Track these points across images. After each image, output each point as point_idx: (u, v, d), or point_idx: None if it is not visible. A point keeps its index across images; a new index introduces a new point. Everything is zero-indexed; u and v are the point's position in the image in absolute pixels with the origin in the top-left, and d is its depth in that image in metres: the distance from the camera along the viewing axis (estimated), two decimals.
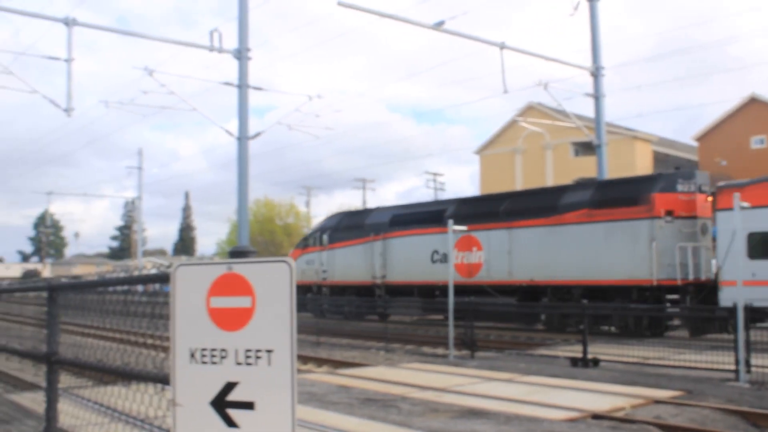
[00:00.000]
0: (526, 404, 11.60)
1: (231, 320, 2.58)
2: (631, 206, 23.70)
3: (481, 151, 61.20)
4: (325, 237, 35.86)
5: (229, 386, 2.58)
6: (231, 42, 23.06)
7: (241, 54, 22.39)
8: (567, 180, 52.26)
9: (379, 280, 31.58)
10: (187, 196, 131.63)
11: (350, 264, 33.26)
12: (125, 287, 3.96)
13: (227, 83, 23.91)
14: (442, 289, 26.18)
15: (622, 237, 23.67)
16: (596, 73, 28.94)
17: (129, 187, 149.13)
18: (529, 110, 50.84)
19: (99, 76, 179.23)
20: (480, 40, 26.07)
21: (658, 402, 11.66)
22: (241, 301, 2.56)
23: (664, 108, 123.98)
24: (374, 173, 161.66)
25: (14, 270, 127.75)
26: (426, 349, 23.01)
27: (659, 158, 54.36)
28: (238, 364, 2.57)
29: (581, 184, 27.75)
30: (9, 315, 7.83)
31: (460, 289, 25.20)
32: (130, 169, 66.36)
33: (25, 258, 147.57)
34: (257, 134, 25.07)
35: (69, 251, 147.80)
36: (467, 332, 20.35)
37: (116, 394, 4.01)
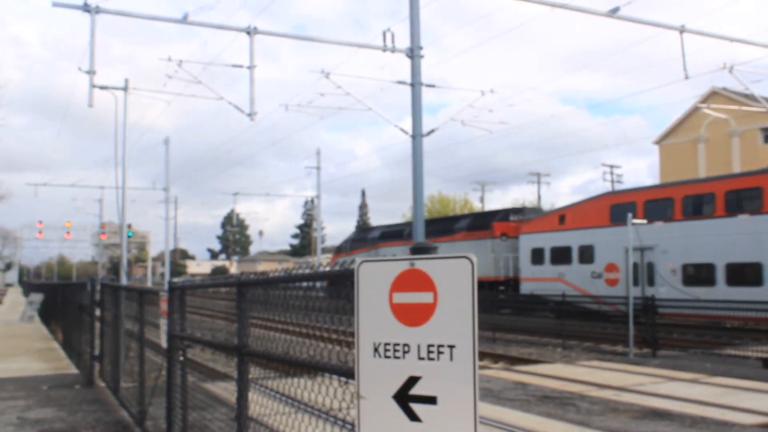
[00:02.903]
0: (713, 407, 11.03)
1: (413, 315, 2.61)
2: (483, 230, 38.82)
3: (661, 140, 58.53)
4: (348, 245, 54.43)
5: (412, 380, 2.61)
6: (403, 41, 23.36)
7: (414, 52, 22.59)
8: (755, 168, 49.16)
9: None
10: (363, 194, 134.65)
11: None
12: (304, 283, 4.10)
13: (401, 82, 24.26)
14: None
15: (480, 250, 36.56)
16: None
17: (308, 186, 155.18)
18: (713, 96, 48.01)
19: (278, 81, 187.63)
20: (657, 24, 24.89)
21: None
22: (423, 297, 2.58)
23: None
24: (549, 167, 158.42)
25: (204, 267, 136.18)
26: (604, 347, 22.41)
27: None
28: (421, 358, 2.59)
29: (467, 215, 45.12)
30: (202, 309, 8.35)
31: None
32: (309, 169, 68.75)
33: (213, 255, 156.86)
34: (431, 131, 25.26)
35: (253, 249, 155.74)
36: (648, 330, 19.60)
37: (302, 386, 4.16)
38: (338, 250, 57.44)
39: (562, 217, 33.44)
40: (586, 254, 31.39)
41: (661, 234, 28.06)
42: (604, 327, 26.74)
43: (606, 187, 68.21)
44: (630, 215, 20.38)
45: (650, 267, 28.26)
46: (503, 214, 39.18)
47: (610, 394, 12.50)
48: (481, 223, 39.90)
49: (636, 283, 26.89)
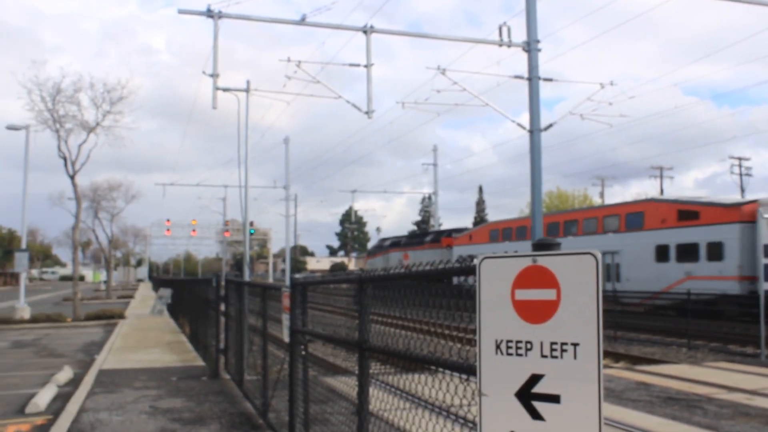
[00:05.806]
0: None
1: (536, 312, 2.57)
2: (437, 243, 55.64)
3: None
4: (373, 250, 73.45)
5: (534, 378, 2.57)
6: (519, 35, 23.03)
7: (530, 46, 22.21)
8: None
9: None
10: (480, 190, 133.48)
11: (378, 268, 61.04)
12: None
13: (517, 76, 23.96)
14: None
15: (435, 257, 42.41)
16: None
17: (425, 183, 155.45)
18: None
19: (394, 80, 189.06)
20: None
21: None
22: (546, 294, 2.54)
23: None
24: (671, 161, 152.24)
25: (323, 263, 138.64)
26: (733, 348, 21.47)
27: None
28: (543, 356, 2.55)
29: (431, 232, 62.39)
30: (322, 305, 8.51)
31: None
32: (425, 166, 69.20)
33: (332, 252, 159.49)
34: (549, 126, 24.80)
35: (371, 245, 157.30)
36: None
37: (421, 382, 4.18)
38: (368, 254, 78.82)
39: (470, 236, 51.00)
40: None
41: (512, 249, 45.15)
42: (733, 327, 25.63)
43: (734, 180, 65.42)
44: None
45: None
46: (448, 232, 56.87)
47: (741, 397, 11.98)
48: (436, 238, 57.42)
49: None
